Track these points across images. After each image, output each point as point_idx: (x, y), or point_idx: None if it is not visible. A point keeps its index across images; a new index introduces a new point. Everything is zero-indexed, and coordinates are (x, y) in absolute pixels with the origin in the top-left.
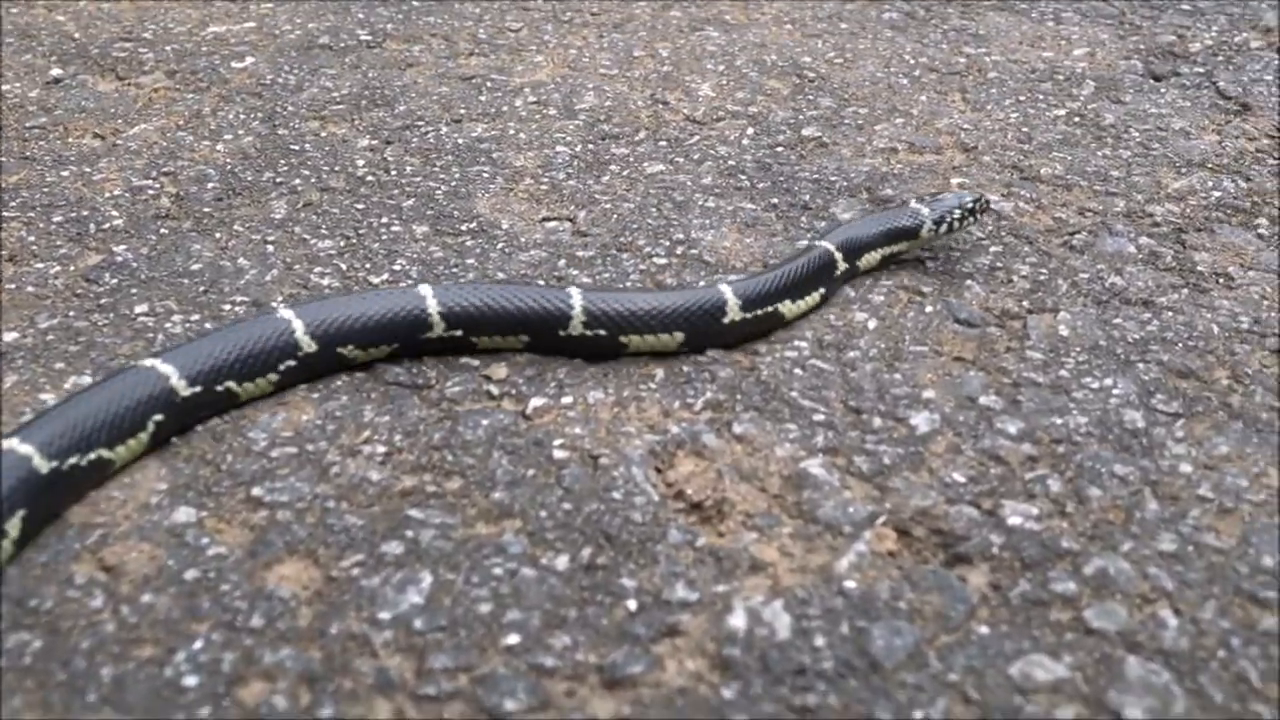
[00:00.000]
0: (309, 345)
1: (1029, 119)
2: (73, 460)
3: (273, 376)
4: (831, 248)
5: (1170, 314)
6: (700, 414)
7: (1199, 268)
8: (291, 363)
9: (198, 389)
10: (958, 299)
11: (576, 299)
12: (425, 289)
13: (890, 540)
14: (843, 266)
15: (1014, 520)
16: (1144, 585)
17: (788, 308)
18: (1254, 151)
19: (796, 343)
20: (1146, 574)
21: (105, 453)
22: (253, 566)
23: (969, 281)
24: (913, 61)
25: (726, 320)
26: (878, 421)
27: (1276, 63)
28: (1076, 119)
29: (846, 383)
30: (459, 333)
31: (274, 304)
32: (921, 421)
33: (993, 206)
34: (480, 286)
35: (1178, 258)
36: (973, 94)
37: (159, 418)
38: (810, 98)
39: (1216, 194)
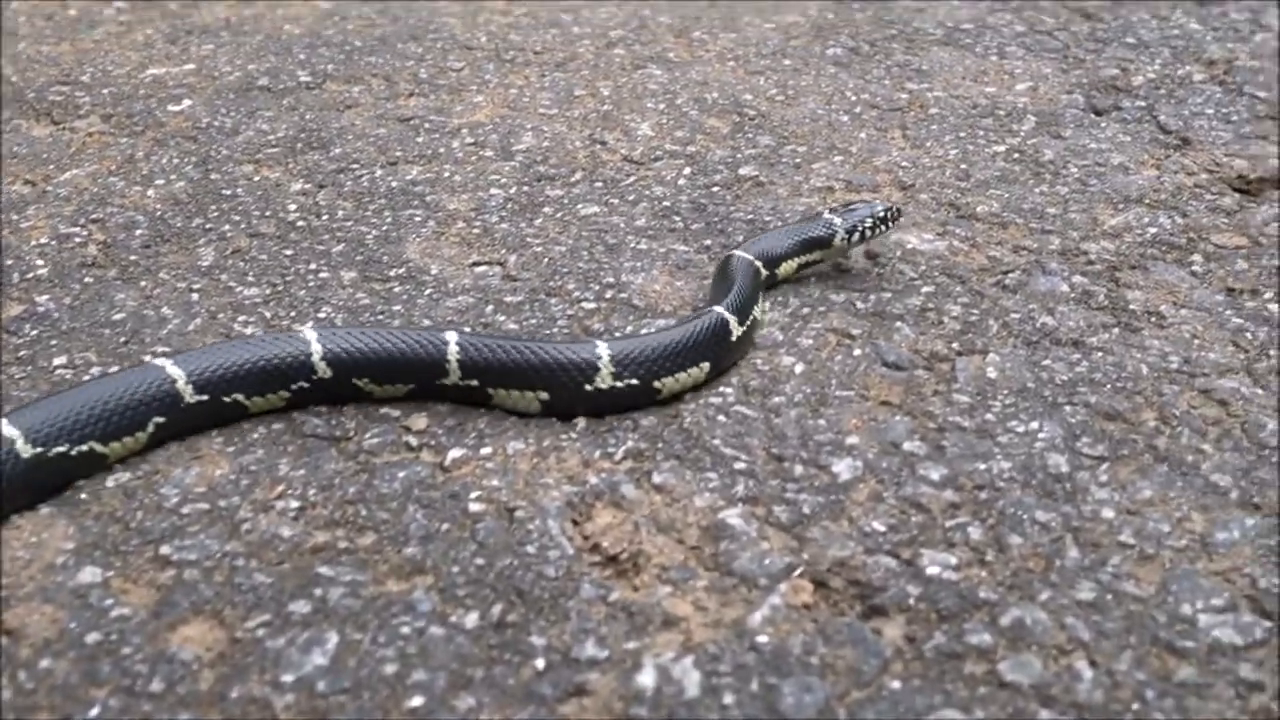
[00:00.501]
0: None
1: (968, 155)
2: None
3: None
4: (751, 256)
5: (1100, 354)
6: (621, 464)
7: (1131, 306)
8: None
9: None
10: (887, 341)
11: (453, 346)
12: (310, 333)
13: (806, 592)
14: (764, 273)
15: (932, 570)
16: (1060, 636)
17: (664, 383)
18: (1192, 186)
19: (722, 388)
20: (1064, 624)
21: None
22: (156, 628)
23: (899, 323)
24: (854, 98)
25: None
26: (799, 469)
27: (1218, 95)
28: (1016, 155)
29: (770, 429)
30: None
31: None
32: (844, 469)
33: (926, 246)
34: (367, 331)
35: (1110, 296)
36: (913, 130)
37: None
38: (749, 136)
39: (1152, 230)
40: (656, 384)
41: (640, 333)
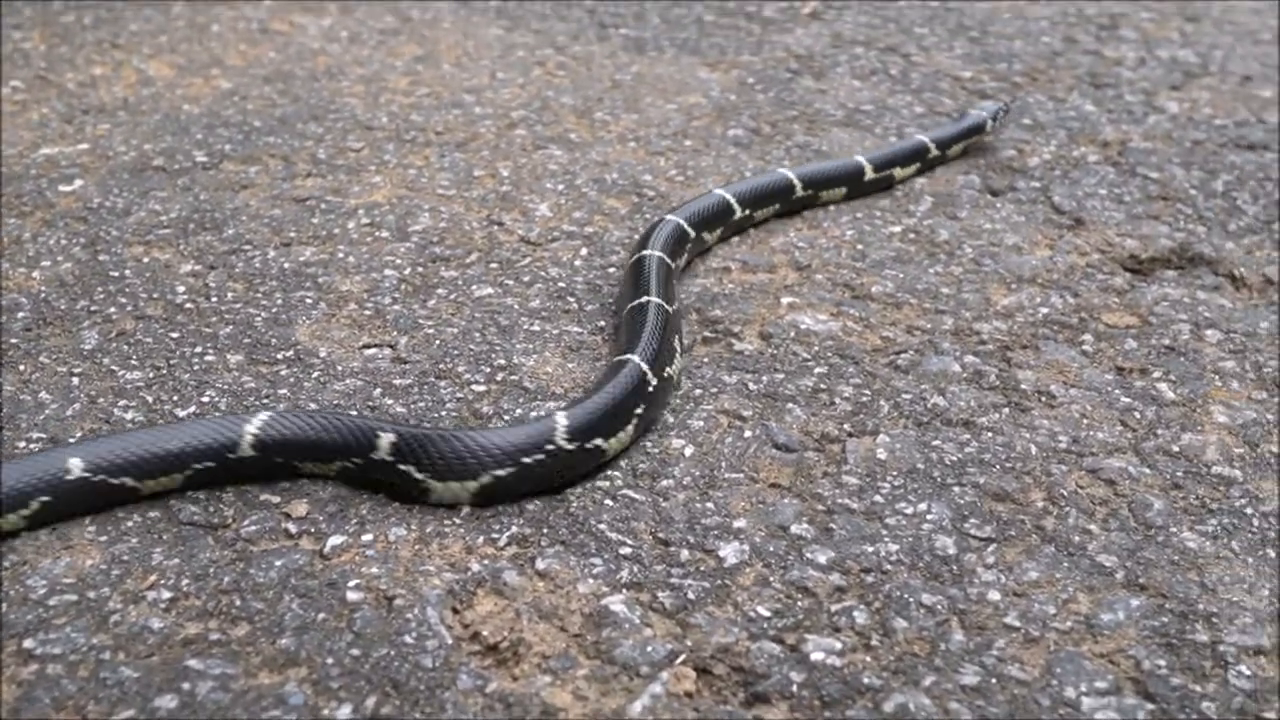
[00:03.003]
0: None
1: (864, 235)
2: None
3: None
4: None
5: (990, 434)
6: (504, 550)
7: (1022, 386)
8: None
9: None
10: (778, 423)
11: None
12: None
13: (689, 680)
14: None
15: (816, 656)
16: None
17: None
18: (1084, 266)
19: (610, 472)
20: (947, 710)
21: None
22: None
23: (791, 404)
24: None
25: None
26: (685, 554)
27: (1111, 176)
28: (911, 235)
29: (657, 513)
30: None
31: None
32: (730, 553)
33: (820, 326)
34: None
35: (1001, 376)
36: (810, 211)
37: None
38: (648, 216)
39: (1044, 310)
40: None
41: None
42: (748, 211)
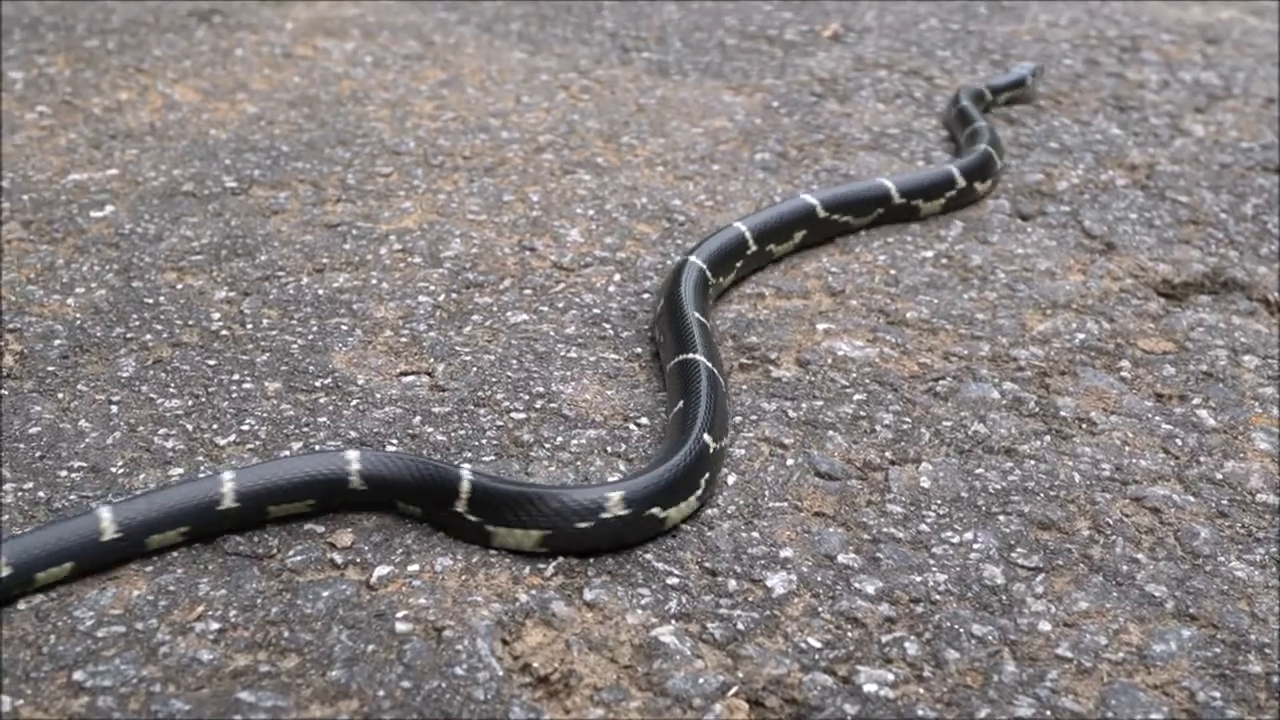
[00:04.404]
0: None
1: (896, 261)
2: None
3: None
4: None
5: (1032, 462)
6: (551, 580)
7: (1062, 413)
8: None
9: None
10: (819, 451)
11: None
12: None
13: (742, 712)
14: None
15: (869, 688)
16: None
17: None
18: (1118, 291)
19: None
20: None
21: None
22: None
23: (831, 432)
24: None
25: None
26: (733, 584)
27: (1140, 200)
28: (944, 260)
29: (703, 542)
30: None
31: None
32: (778, 583)
33: (857, 353)
34: None
35: (1041, 403)
36: (841, 236)
37: None
38: (679, 242)
39: (1080, 336)
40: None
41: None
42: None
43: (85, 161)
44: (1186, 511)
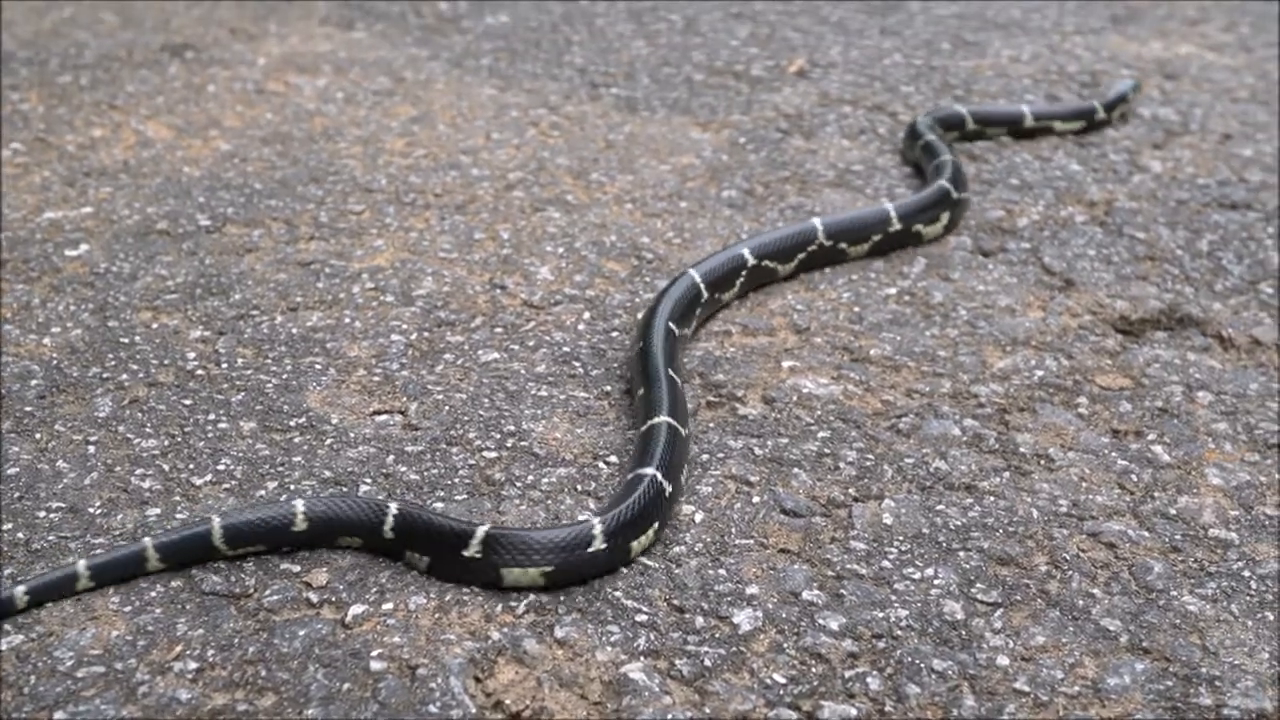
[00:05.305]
0: None
1: (860, 298)
2: None
3: None
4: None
5: (992, 499)
6: (523, 617)
7: (1021, 449)
8: None
9: None
10: (785, 488)
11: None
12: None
13: None
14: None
15: None
16: None
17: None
18: (1076, 328)
19: None
20: None
21: None
22: None
23: (796, 469)
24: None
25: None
26: (700, 621)
27: (1099, 236)
28: (907, 297)
29: (671, 580)
30: None
31: None
32: (744, 619)
33: (821, 390)
34: None
35: (1000, 440)
36: (806, 273)
37: None
38: (647, 279)
39: (1040, 373)
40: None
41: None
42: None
43: (60, 199)
44: (1141, 546)
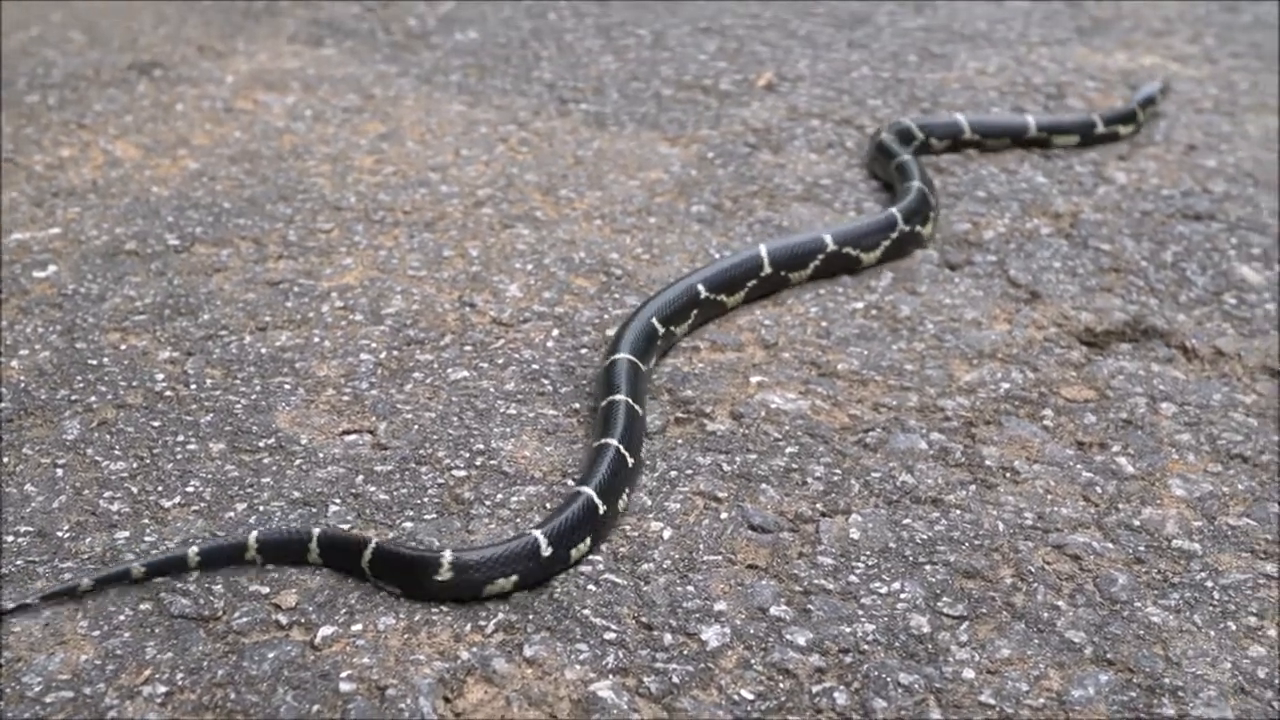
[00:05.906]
0: None
1: (828, 312)
2: None
3: None
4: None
5: (958, 512)
6: (492, 636)
7: (987, 462)
8: None
9: None
10: (752, 504)
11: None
12: None
13: None
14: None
15: None
16: None
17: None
18: (1042, 340)
19: (592, 557)
20: None
21: None
22: None
23: (764, 485)
24: (718, 256)
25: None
26: (669, 638)
27: (1065, 248)
28: (874, 311)
29: (640, 597)
30: None
31: None
32: (712, 635)
33: (789, 405)
34: None
35: (967, 453)
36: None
37: None
38: (616, 296)
39: (1005, 385)
40: None
41: None
42: None
43: (27, 220)
44: (1105, 558)
